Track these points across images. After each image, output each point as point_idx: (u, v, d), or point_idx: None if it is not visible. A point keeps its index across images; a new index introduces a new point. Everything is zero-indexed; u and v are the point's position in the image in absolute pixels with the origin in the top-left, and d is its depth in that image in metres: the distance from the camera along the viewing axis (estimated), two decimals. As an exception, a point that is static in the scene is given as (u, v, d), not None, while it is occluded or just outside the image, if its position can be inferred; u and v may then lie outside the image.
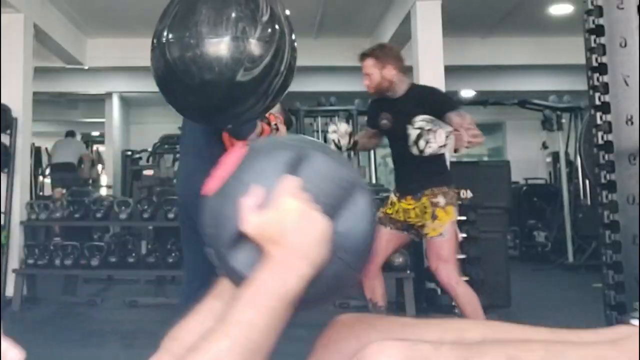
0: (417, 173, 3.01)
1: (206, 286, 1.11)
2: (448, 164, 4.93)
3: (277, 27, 1.60)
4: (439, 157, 2.98)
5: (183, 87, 1.59)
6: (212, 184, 0.88)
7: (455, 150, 3.11)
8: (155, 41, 1.62)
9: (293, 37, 1.66)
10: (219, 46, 1.51)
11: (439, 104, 2.96)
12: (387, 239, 3.11)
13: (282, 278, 0.80)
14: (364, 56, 3.07)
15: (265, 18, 1.57)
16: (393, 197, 3.16)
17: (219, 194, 0.87)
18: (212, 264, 0.95)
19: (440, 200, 2.97)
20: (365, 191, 0.89)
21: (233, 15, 1.53)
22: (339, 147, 3.08)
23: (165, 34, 1.58)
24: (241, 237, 0.84)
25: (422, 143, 2.73)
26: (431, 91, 3.26)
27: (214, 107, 1.64)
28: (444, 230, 2.95)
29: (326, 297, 0.99)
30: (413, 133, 2.72)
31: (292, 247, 0.80)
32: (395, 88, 3.05)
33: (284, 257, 0.80)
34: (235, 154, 0.90)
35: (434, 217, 2.98)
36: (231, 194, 0.85)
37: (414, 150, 2.74)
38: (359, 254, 0.89)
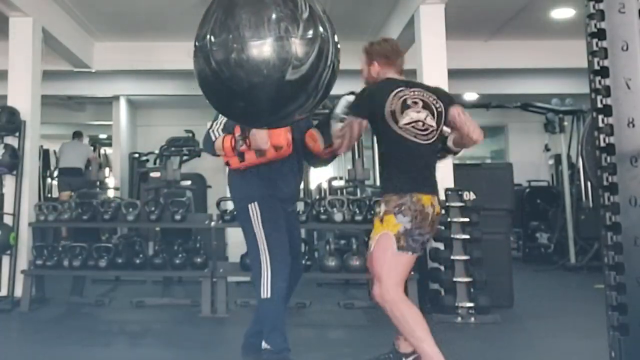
0: (380, 177, 2.93)
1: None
2: (450, 166, 5.00)
3: (318, 23, 1.61)
4: (386, 161, 2.84)
5: (231, 93, 1.57)
6: None
7: (455, 153, 3.07)
8: (198, 48, 1.60)
9: (334, 29, 1.67)
10: (264, 48, 1.51)
11: None
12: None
13: None
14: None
15: (305, 16, 1.57)
16: None
17: None
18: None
19: (382, 208, 2.76)
20: None
21: (274, 16, 1.54)
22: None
23: (207, 40, 1.57)
24: None
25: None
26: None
27: (265, 109, 1.63)
28: (372, 242, 2.76)
29: None
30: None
31: None
32: None
33: None
34: None
35: (373, 227, 2.81)
36: None
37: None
38: None
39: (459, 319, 4.29)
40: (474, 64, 7.60)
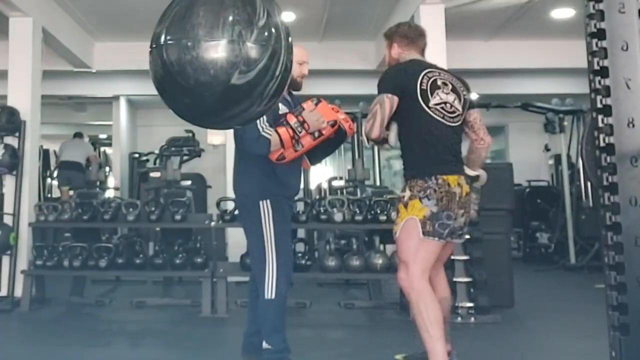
0: (404, 163, 2.85)
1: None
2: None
3: (273, 30, 1.62)
4: (411, 143, 2.78)
5: (178, 88, 1.60)
6: None
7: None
8: (153, 43, 1.65)
9: (289, 40, 1.68)
10: (215, 49, 1.53)
11: None
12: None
13: None
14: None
15: (261, 22, 1.59)
16: None
17: None
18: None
19: (406, 193, 2.73)
20: None
21: (230, 18, 1.55)
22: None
23: (163, 36, 1.61)
24: None
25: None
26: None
27: (208, 109, 1.66)
28: (398, 228, 2.73)
29: None
30: None
31: None
32: None
33: None
34: None
35: (397, 212, 2.80)
36: None
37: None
38: None
39: (459, 319, 4.29)
40: (474, 64, 7.60)
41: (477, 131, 2.88)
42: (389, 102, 2.70)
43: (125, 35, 7.28)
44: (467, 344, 3.85)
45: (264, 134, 2.78)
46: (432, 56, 5.29)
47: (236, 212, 4.45)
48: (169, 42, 1.59)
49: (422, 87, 2.72)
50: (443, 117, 2.73)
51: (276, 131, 2.80)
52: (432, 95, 2.72)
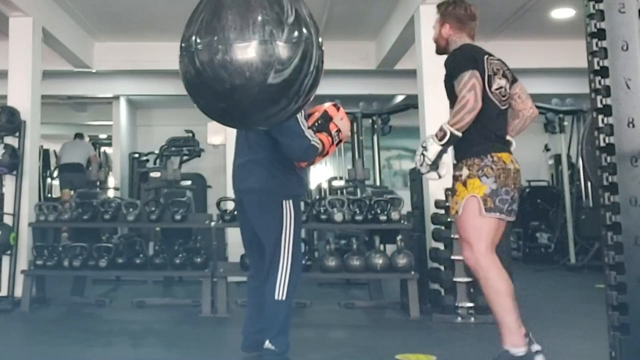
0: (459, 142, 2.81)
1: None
2: (449, 165, 4.99)
3: (303, 28, 1.61)
4: (476, 124, 2.75)
5: (214, 94, 1.58)
6: None
7: None
8: (183, 48, 1.63)
9: (319, 35, 1.67)
10: (248, 50, 1.52)
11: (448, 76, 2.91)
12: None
13: None
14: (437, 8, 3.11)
15: (291, 20, 1.58)
16: None
17: None
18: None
19: (464, 172, 2.78)
20: None
21: (259, 19, 1.54)
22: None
23: (193, 41, 1.58)
24: None
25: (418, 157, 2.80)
26: (449, 60, 2.93)
27: (245, 112, 1.64)
28: (459, 207, 2.77)
29: None
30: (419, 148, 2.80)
31: None
32: (449, 48, 3.03)
33: None
34: None
35: (454, 191, 2.84)
36: None
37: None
38: None
39: (459, 318, 4.29)
40: (474, 64, 7.60)
41: (526, 101, 3.01)
42: (478, 78, 2.73)
43: (126, 35, 7.28)
44: (467, 343, 3.85)
45: (313, 143, 2.81)
46: (432, 57, 5.33)
47: (235, 212, 4.41)
48: (200, 47, 1.56)
49: (489, 72, 2.82)
50: (500, 102, 2.87)
51: (320, 138, 2.85)
52: (493, 80, 2.84)
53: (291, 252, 2.87)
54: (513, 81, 3.00)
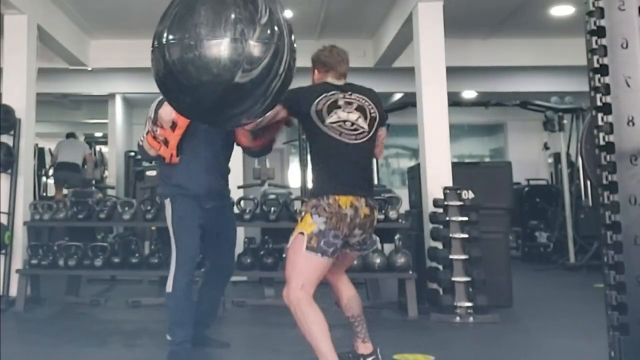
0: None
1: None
2: (448, 165, 4.98)
3: (275, 28, 1.59)
4: (313, 162, 2.84)
5: (180, 88, 1.59)
6: None
7: None
8: (155, 42, 1.62)
9: (292, 38, 1.65)
10: (218, 48, 1.51)
11: None
12: None
13: None
14: None
15: (264, 20, 1.56)
16: None
17: None
18: None
19: (303, 209, 2.80)
20: None
21: (232, 17, 1.53)
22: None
23: (165, 35, 1.58)
24: None
25: None
26: None
27: (210, 109, 1.64)
28: (289, 241, 2.75)
29: None
30: None
31: None
32: None
33: None
34: None
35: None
36: None
37: None
38: None
39: (458, 318, 4.27)
40: (473, 62, 7.58)
41: (377, 146, 2.94)
42: (275, 112, 2.65)
43: (121, 33, 7.25)
44: (465, 343, 3.83)
45: (138, 140, 3.24)
46: (430, 55, 5.34)
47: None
48: (171, 41, 1.57)
49: (318, 107, 2.75)
50: (340, 134, 2.75)
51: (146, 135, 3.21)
52: (329, 114, 2.77)
53: (175, 248, 3.11)
54: (382, 120, 2.90)
